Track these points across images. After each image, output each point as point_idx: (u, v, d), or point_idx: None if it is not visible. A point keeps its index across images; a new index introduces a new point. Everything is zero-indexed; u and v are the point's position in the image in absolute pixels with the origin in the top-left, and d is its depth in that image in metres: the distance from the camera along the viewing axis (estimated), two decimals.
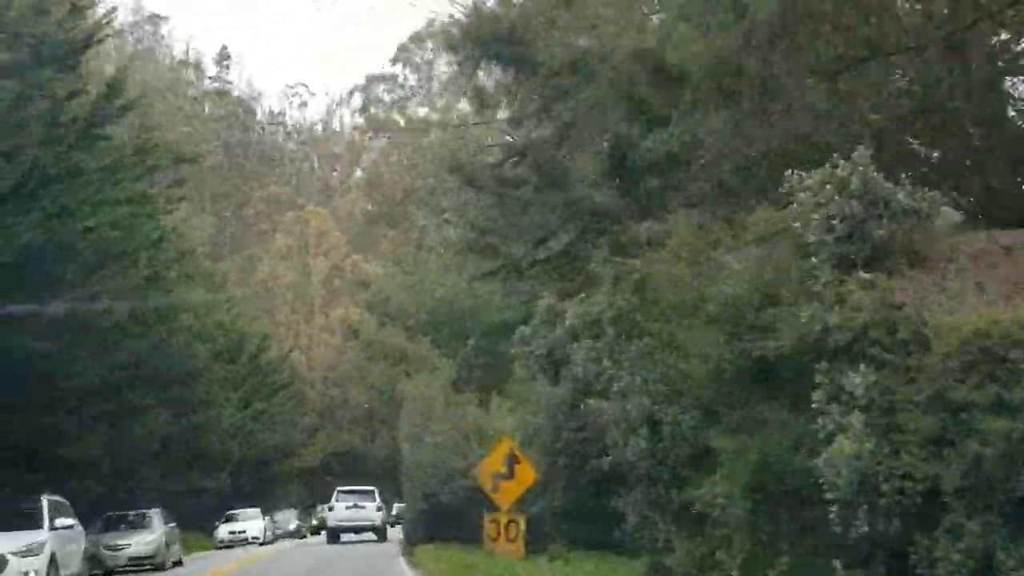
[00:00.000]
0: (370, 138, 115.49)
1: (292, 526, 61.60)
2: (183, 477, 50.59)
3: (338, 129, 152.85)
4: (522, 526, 21.30)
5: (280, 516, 61.98)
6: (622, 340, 14.83)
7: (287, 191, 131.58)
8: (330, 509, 46.49)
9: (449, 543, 27.94)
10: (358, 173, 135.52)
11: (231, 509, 53.92)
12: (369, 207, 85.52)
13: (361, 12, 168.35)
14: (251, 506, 56.71)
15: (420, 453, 30.23)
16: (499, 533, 21.45)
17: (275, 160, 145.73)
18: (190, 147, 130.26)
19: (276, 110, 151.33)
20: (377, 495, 46.66)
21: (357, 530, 44.19)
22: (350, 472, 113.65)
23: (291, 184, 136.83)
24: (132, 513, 35.50)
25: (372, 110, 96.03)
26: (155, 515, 35.19)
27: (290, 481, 79.81)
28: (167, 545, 34.57)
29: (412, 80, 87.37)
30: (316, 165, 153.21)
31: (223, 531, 50.77)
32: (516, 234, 23.88)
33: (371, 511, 44.37)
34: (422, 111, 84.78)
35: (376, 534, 43.97)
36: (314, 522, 70.90)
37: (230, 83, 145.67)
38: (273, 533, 55.77)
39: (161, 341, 36.27)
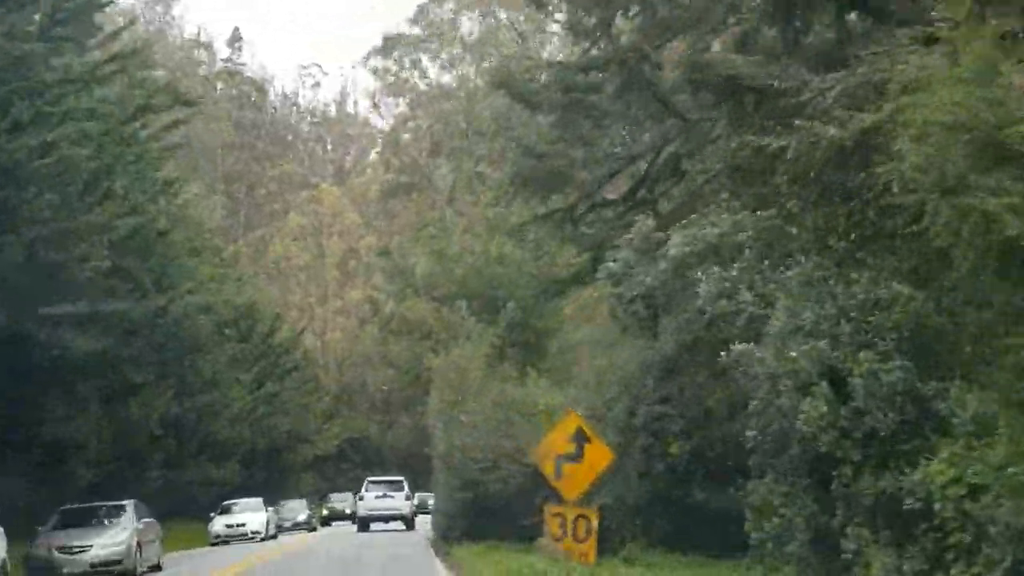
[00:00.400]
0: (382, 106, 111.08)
1: (301, 517, 55.77)
2: (192, 464, 46.54)
3: (352, 112, 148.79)
4: (594, 523, 17.02)
5: (289, 506, 56.20)
6: (773, 262, 10.56)
7: (300, 170, 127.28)
8: (360, 499, 47.11)
9: (494, 541, 23.58)
10: (373, 155, 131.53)
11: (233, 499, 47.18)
12: (388, 175, 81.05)
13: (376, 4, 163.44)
14: (257, 495, 52.62)
15: (457, 434, 25.59)
16: (565, 531, 17.17)
17: (288, 141, 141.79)
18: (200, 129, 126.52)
19: (289, 91, 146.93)
20: (406, 485, 47.28)
21: (386, 519, 44.85)
22: (367, 461, 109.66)
23: (304, 165, 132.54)
24: (100, 505, 28.07)
25: (391, 71, 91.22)
26: (127, 509, 27.64)
27: (304, 470, 75.61)
28: (140, 546, 26.94)
29: (433, 43, 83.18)
30: (329, 147, 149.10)
31: (217, 524, 43.26)
32: (584, 160, 19.68)
33: (400, 500, 45.34)
34: (445, 77, 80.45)
35: (404, 523, 44.86)
36: (324, 512, 65.42)
37: (243, 65, 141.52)
38: (277, 526, 49.15)
39: (160, 309, 32.04)
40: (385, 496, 45.35)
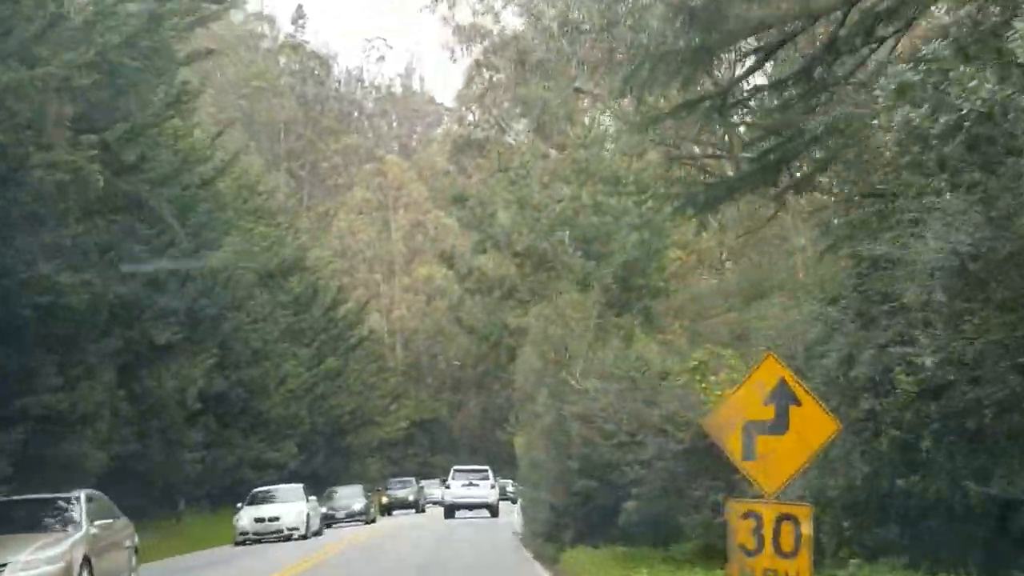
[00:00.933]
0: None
1: (357, 506, 45.83)
2: (241, 445, 40.77)
3: (417, 89, 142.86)
4: (807, 528, 10.70)
5: (341, 494, 46.45)
6: None
7: (365, 142, 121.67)
8: (447, 487, 47.56)
9: (625, 545, 16.75)
10: (439, 131, 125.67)
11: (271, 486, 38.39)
12: (461, 130, 74.62)
13: None
14: (315, 481, 46.67)
15: (573, 401, 18.82)
16: (761, 539, 10.83)
17: (352, 117, 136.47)
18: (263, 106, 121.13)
19: (352, 67, 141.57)
20: (491, 474, 47.89)
21: (471, 507, 45.70)
22: (435, 444, 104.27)
23: (369, 139, 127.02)
24: (32, 500, 19.03)
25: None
26: (75, 505, 18.48)
27: (369, 454, 69.88)
28: (89, 561, 17.47)
29: None
30: (395, 123, 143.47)
31: (244, 519, 34.11)
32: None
33: (485, 489, 46.26)
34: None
35: (489, 511, 45.57)
36: (384, 500, 58.12)
37: (306, 41, 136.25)
38: (328, 518, 40.99)
39: (185, 258, 25.85)
40: (471, 485, 46.18)
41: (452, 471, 48.41)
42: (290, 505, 35.19)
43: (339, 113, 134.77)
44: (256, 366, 39.76)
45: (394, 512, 57.16)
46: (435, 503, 56.86)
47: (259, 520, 33.99)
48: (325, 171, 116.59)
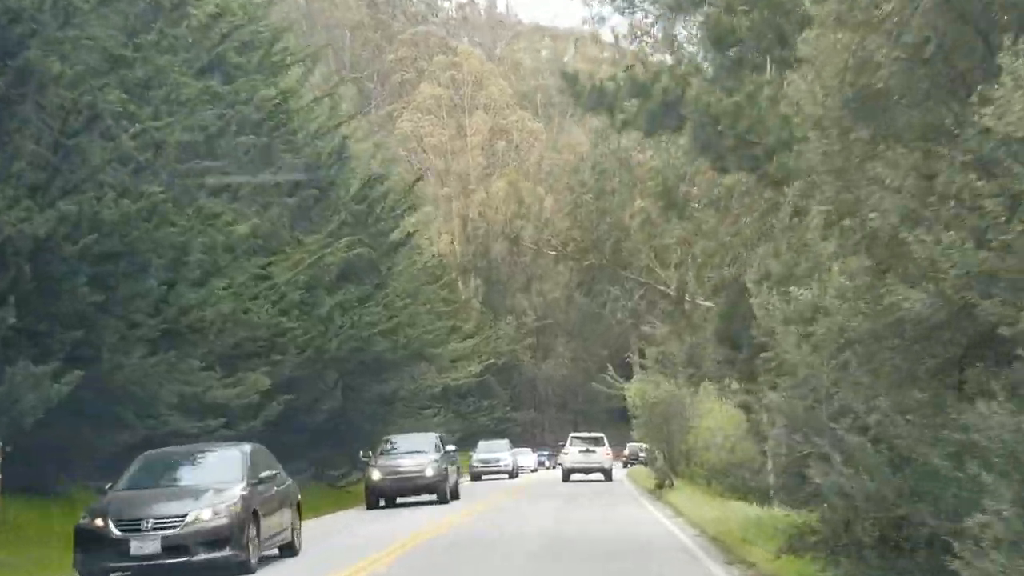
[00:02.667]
0: None
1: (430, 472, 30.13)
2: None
3: (503, 11, 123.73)
4: None
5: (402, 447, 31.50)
6: None
7: (438, 32, 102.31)
8: (565, 453, 49.75)
9: None
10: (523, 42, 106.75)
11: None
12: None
13: None
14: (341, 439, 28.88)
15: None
16: None
17: (425, 19, 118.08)
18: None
19: None
20: (606, 440, 49.78)
21: (587, 471, 47.78)
22: (516, 397, 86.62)
23: (442, 28, 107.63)
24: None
25: None
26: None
27: (426, 405, 51.24)
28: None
29: None
30: (476, 35, 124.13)
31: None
32: None
33: (600, 455, 48.48)
34: None
35: (604, 474, 47.64)
36: (475, 464, 51.94)
37: None
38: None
39: None
40: (587, 451, 48.35)
41: (570, 438, 51.33)
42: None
43: (411, 16, 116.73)
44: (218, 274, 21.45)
45: (484, 478, 50.11)
46: (506, 471, 51.78)
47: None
48: (390, 65, 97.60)
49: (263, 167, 26.56)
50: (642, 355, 79.18)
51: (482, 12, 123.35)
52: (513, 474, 51.63)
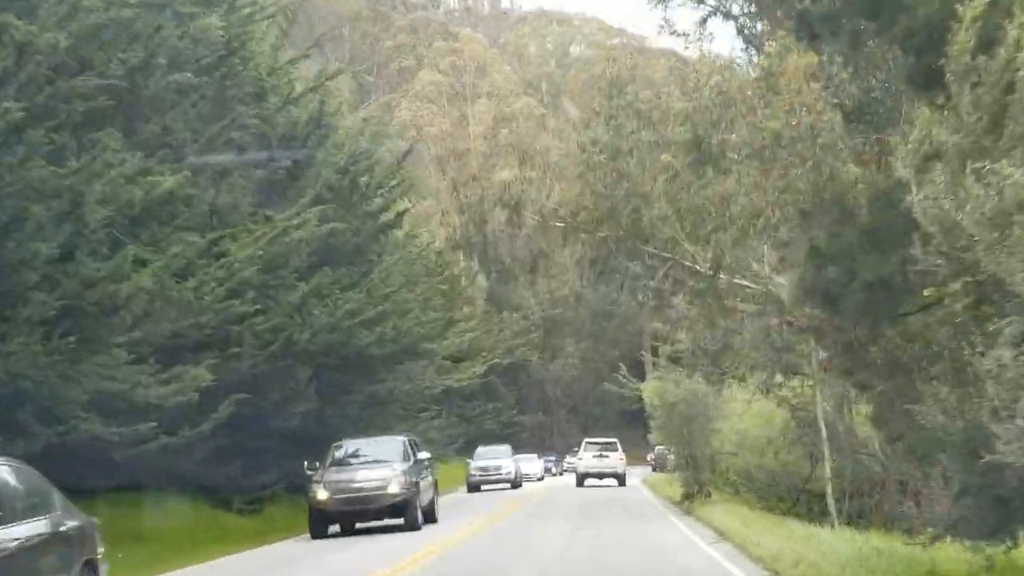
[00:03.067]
0: None
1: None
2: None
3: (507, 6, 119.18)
4: None
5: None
6: None
7: (438, 17, 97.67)
8: (579, 459, 49.51)
9: None
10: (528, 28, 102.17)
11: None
12: None
13: None
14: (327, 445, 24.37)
15: None
16: None
17: (426, 7, 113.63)
18: None
19: None
20: (619, 445, 49.67)
21: (601, 475, 47.46)
22: (524, 399, 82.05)
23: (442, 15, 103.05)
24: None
25: None
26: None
27: (424, 407, 46.66)
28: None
29: None
30: (479, 26, 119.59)
31: None
32: None
33: (614, 460, 48.14)
34: None
35: (617, 480, 47.29)
36: (472, 474, 45.82)
37: None
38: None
39: None
40: (601, 456, 48.10)
41: (584, 443, 51.29)
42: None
43: (411, 7, 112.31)
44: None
45: (483, 488, 44.47)
46: (508, 480, 46.51)
47: None
48: (388, 53, 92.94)
49: (213, 121, 22.11)
50: (655, 352, 75.10)
51: (485, 2, 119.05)
52: (516, 483, 46.59)
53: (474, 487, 44.92)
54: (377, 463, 22.86)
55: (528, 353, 79.14)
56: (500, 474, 45.68)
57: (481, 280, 79.26)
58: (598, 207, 23.95)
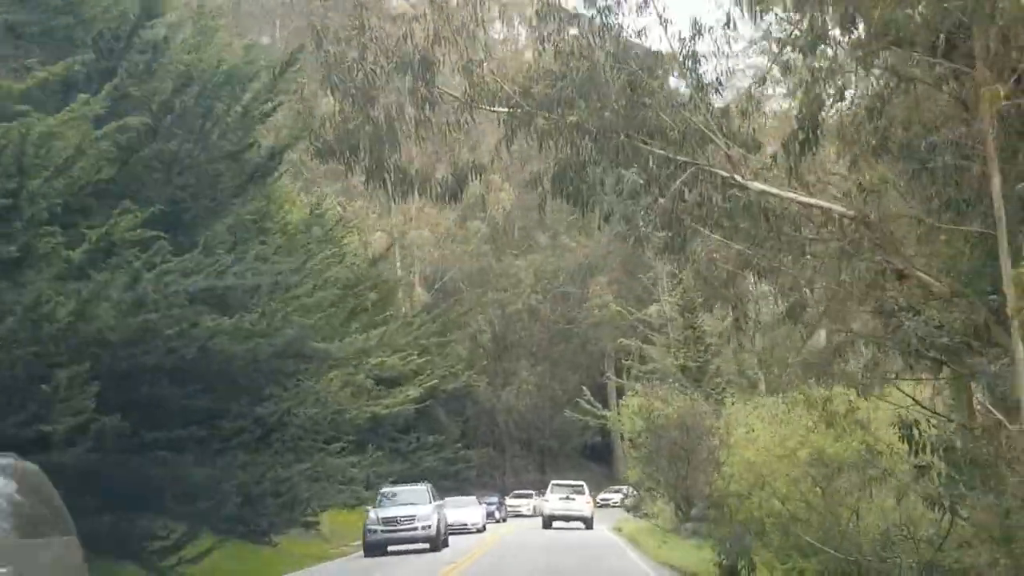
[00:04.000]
0: None
1: None
2: None
3: None
4: None
5: None
6: None
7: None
8: (545, 500, 50.10)
9: None
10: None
11: None
12: None
13: None
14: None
15: None
16: None
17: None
18: None
19: None
20: (586, 488, 50.83)
21: (568, 518, 47.81)
22: (471, 432, 70.94)
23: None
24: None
25: None
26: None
27: (345, 441, 35.60)
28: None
29: None
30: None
31: None
32: None
33: (581, 503, 48.64)
34: None
35: (584, 523, 47.65)
36: (372, 527, 33.07)
37: None
38: None
39: None
40: (568, 498, 48.50)
41: (551, 485, 51.60)
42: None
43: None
44: None
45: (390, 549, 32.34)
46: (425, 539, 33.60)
47: None
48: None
49: None
50: (619, 374, 64.64)
51: None
52: (437, 541, 33.41)
53: (375, 547, 32.43)
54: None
55: (475, 379, 68.66)
56: (414, 528, 32.87)
57: (420, 293, 68.85)
58: (569, 73, 13.52)
